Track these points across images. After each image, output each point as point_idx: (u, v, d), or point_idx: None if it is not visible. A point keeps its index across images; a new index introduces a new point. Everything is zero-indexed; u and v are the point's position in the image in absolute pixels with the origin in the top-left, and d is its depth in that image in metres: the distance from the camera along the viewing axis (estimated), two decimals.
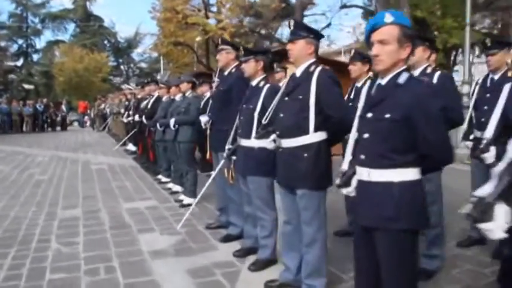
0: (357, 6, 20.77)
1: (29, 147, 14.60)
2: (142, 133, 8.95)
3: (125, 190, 7.02)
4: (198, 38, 24.82)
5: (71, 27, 48.46)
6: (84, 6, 47.05)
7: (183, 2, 20.63)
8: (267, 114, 3.13)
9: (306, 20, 19.42)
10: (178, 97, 6.56)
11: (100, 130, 21.85)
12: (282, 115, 2.95)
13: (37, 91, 42.52)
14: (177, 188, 6.68)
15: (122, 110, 12.95)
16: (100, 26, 49.19)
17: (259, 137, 3.17)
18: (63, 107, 25.07)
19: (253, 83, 3.67)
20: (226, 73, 4.39)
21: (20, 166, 10.18)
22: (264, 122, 3.12)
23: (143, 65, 51.94)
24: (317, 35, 2.96)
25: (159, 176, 7.77)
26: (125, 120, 12.12)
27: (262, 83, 3.60)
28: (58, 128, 24.82)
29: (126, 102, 12.48)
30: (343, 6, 20.45)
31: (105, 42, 50.20)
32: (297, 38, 2.89)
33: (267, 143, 3.34)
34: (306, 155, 2.84)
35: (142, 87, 9.92)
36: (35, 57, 47.67)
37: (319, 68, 2.87)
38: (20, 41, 46.34)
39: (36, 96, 32.11)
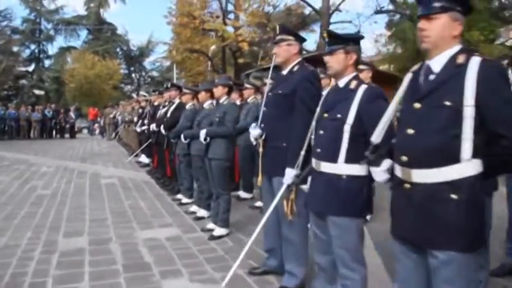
0: (391, 11, 19.68)
1: (35, 155, 13.63)
2: (159, 145, 7.91)
3: (140, 213, 5.94)
4: (213, 47, 23.95)
5: (84, 33, 48.03)
6: (97, 13, 46.57)
7: (200, 8, 19.76)
8: (379, 128, 2.03)
9: (333, 27, 18.44)
10: (207, 104, 5.52)
11: (110, 139, 20.90)
12: (412, 131, 1.87)
13: (47, 97, 41.84)
14: (202, 212, 5.59)
15: (135, 118, 11.94)
16: (113, 33, 48.79)
17: (369, 162, 2.07)
18: (72, 114, 24.15)
19: (341, 83, 2.59)
20: (285, 72, 3.32)
21: (22, 177, 9.15)
22: (375, 141, 2.02)
23: (155, 73, 51.50)
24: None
25: (179, 196, 6.70)
26: (138, 130, 11.10)
27: (353, 84, 2.53)
28: (66, 135, 23.91)
29: (140, 110, 11.47)
30: (378, 12, 19.34)
31: (117, 49, 49.66)
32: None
33: (361, 170, 2.29)
34: (455, 196, 1.75)
35: (160, 93, 8.90)
36: (47, 63, 47.26)
37: (477, 59, 1.79)
38: (33, 46, 45.87)
39: (46, 102, 31.30)
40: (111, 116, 20.27)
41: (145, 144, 9.57)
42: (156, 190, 7.69)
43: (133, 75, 51.31)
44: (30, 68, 45.47)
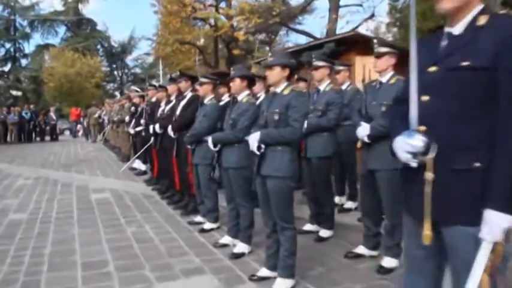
0: None
1: (10, 163, 11.84)
2: (164, 150, 6.32)
3: (152, 248, 4.32)
4: (201, 41, 22.24)
5: (62, 30, 45.85)
6: (75, 8, 44.35)
7: None
8: None
9: (342, 12, 16.89)
10: (244, 96, 3.99)
11: (96, 141, 19.09)
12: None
13: (26, 98, 39.56)
14: (241, 247, 4.02)
15: (127, 118, 10.27)
16: (93, 29, 46.76)
17: None
18: (53, 115, 22.20)
19: None
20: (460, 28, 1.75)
21: None
22: None
23: (138, 70, 49.68)
24: None
25: (199, 219, 5.13)
26: (132, 131, 9.44)
27: None
28: (47, 138, 22.00)
29: (133, 108, 9.79)
30: None
31: (98, 46, 47.62)
32: None
33: None
34: None
35: (161, 87, 7.28)
36: (24, 62, 44.97)
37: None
38: (8, 45, 43.47)
39: (24, 103, 29.18)
40: (96, 115, 18.45)
41: (143, 149, 7.92)
42: (163, 208, 6.08)
43: (115, 72, 49.48)
44: (6, 68, 43.33)
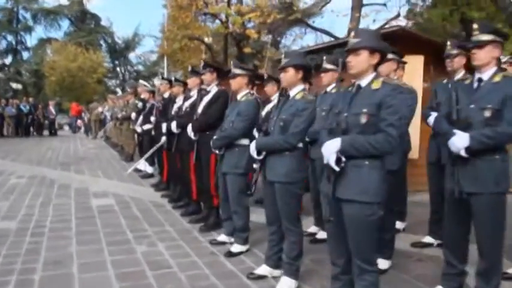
0: None
1: (3, 159, 10.94)
2: (181, 153, 5.45)
3: (170, 277, 3.43)
4: (209, 38, 21.39)
5: (65, 24, 45.00)
6: (80, 3, 43.54)
7: None
8: None
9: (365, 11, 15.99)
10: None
11: (95, 137, 18.20)
12: None
13: (26, 91, 38.67)
14: (286, 282, 3.14)
15: (133, 115, 9.38)
16: (96, 24, 45.97)
17: None
18: (52, 109, 21.26)
19: None
20: None
21: None
22: None
23: (141, 67, 48.94)
24: None
25: (223, 238, 4.26)
26: (139, 129, 8.56)
27: None
28: (46, 133, 21.07)
29: (140, 104, 8.90)
30: None
31: (101, 42, 46.86)
32: None
33: None
34: None
35: (177, 81, 6.40)
36: (25, 55, 44.12)
37: None
38: (9, 38, 42.61)
39: (23, 97, 28.20)
40: (98, 111, 17.54)
41: (153, 149, 7.04)
42: (177, 221, 5.19)
43: (118, 69, 48.67)
44: (7, 61, 42.47)
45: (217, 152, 4.06)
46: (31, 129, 20.50)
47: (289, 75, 3.13)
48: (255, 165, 3.51)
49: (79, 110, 23.53)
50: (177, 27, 18.42)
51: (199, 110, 4.85)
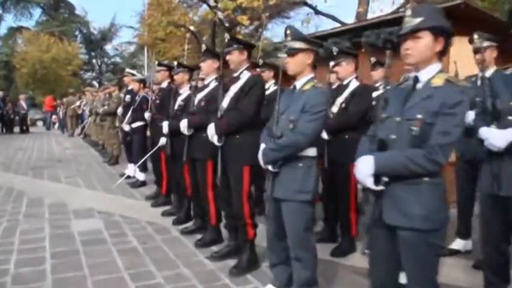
0: None
1: None
2: (192, 162, 4.06)
3: None
4: (195, 27, 19.79)
5: (37, 12, 42.54)
6: None
7: None
8: None
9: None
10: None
11: (72, 135, 16.52)
12: None
13: None
14: None
15: (119, 110, 7.89)
16: (70, 13, 43.70)
17: None
18: (23, 103, 19.35)
19: None
20: None
21: None
22: None
23: (118, 59, 46.89)
24: None
25: None
26: (127, 128, 7.10)
27: None
28: (16, 130, 19.19)
29: (128, 97, 7.42)
30: None
31: (76, 32, 44.63)
32: None
33: None
34: None
35: (181, 66, 4.98)
36: None
37: None
38: None
39: None
40: (76, 105, 15.83)
41: (149, 154, 5.61)
42: (194, 257, 3.79)
43: (94, 61, 46.44)
44: None
45: (270, 168, 2.68)
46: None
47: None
48: None
49: (54, 103, 21.59)
50: (162, 13, 16.80)
51: (224, 103, 3.45)
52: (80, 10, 44.58)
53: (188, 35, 18.95)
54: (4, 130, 18.68)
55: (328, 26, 18.57)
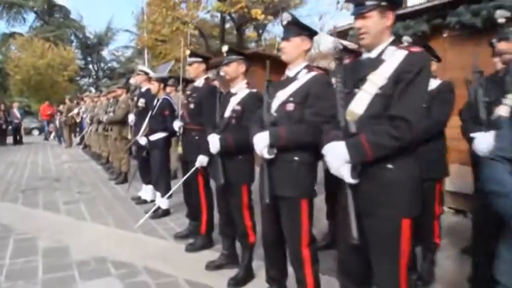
0: None
1: None
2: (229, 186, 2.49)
3: None
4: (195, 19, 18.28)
5: (31, 17, 41.25)
6: None
7: None
8: None
9: None
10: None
11: (70, 145, 14.93)
12: None
13: None
14: None
15: (131, 118, 6.33)
16: (65, 17, 42.29)
17: None
18: (16, 112, 17.70)
19: None
20: None
21: None
22: None
23: (115, 64, 45.50)
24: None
25: None
26: (143, 142, 5.52)
27: None
28: (9, 141, 17.52)
29: (141, 102, 5.86)
30: None
31: (72, 37, 43.19)
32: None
33: None
34: None
35: (235, 53, 3.43)
36: None
37: None
38: None
39: None
40: (74, 113, 14.22)
41: (185, 177, 4.04)
42: None
43: (90, 66, 44.98)
44: None
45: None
46: None
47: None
48: None
49: (52, 112, 19.79)
50: (166, 7, 15.23)
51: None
52: (75, 14, 43.40)
53: (194, 31, 17.41)
54: None
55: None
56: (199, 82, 4.05)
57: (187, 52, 4.03)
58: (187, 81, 5.48)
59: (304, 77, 2.47)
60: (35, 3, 39.95)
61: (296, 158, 2.44)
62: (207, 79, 4.06)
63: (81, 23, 43.17)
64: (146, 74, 6.12)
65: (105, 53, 45.06)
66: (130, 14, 55.85)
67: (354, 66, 2.05)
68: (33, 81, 30.75)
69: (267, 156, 2.42)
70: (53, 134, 19.25)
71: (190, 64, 4.03)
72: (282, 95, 2.50)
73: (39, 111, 23.71)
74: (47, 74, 31.32)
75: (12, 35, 37.64)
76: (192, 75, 4.05)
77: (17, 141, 17.48)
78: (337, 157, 1.84)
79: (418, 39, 5.00)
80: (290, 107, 2.44)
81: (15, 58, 32.17)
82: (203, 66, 4.05)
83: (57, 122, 17.77)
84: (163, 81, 5.39)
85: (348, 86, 1.97)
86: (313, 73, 2.47)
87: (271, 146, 2.41)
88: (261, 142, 2.42)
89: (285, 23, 2.52)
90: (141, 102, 5.86)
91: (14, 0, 39.04)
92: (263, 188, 2.43)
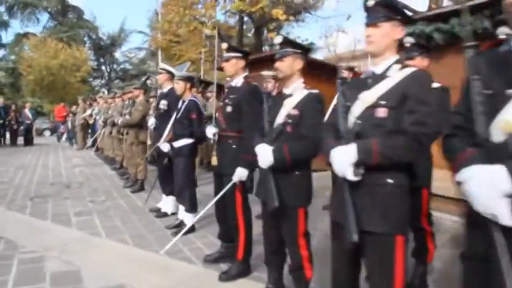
0: None
1: None
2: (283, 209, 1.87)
3: None
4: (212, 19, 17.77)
5: (44, 18, 41.10)
6: None
7: None
8: None
9: None
10: None
11: (82, 148, 14.41)
12: None
13: (1, 92, 34.47)
14: None
15: (151, 122, 5.75)
16: (79, 18, 42.15)
17: None
18: (28, 112, 17.27)
19: None
20: None
21: None
22: None
23: (128, 66, 45.29)
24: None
25: None
26: (166, 148, 4.92)
27: None
28: (20, 141, 17.07)
29: (163, 103, 5.27)
30: None
31: (85, 38, 43.00)
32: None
33: None
34: None
35: (289, 44, 2.81)
36: (0, 52, 39.96)
37: None
38: None
39: None
40: (87, 114, 13.71)
41: (222, 193, 3.43)
42: None
43: (103, 67, 44.78)
44: None
45: None
46: (0, 138, 16.56)
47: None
48: None
49: (65, 113, 19.28)
50: (183, 5, 14.70)
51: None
52: (89, 15, 43.23)
53: (213, 32, 16.84)
54: (3, 142, 16.60)
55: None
56: (238, 81, 3.42)
57: (224, 46, 3.41)
58: (207, 83, 4.88)
59: (398, 73, 1.86)
60: (48, 3, 39.90)
61: (390, 181, 1.82)
62: (246, 77, 3.45)
63: (95, 24, 43.13)
64: (169, 72, 5.53)
65: (117, 54, 45.03)
66: (143, 15, 55.81)
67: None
68: (46, 81, 30.50)
69: (351, 178, 1.79)
70: (64, 136, 18.79)
71: (227, 60, 3.41)
72: (368, 97, 1.88)
73: (52, 112, 23.32)
74: (60, 74, 31.07)
75: (25, 35, 37.55)
76: (230, 72, 3.43)
77: (28, 142, 17.03)
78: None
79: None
80: (381, 112, 1.82)
81: (28, 58, 31.97)
82: (242, 62, 3.44)
83: (69, 124, 17.31)
84: (189, 80, 4.78)
85: (493, 87, 1.38)
86: (411, 69, 1.86)
87: (357, 164, 1.79)
88: (345, 159, 1.80)
89: (371, 3, 1.91)
90: (163, 104, 5.27)
91: (28, 0, 38.95)
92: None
